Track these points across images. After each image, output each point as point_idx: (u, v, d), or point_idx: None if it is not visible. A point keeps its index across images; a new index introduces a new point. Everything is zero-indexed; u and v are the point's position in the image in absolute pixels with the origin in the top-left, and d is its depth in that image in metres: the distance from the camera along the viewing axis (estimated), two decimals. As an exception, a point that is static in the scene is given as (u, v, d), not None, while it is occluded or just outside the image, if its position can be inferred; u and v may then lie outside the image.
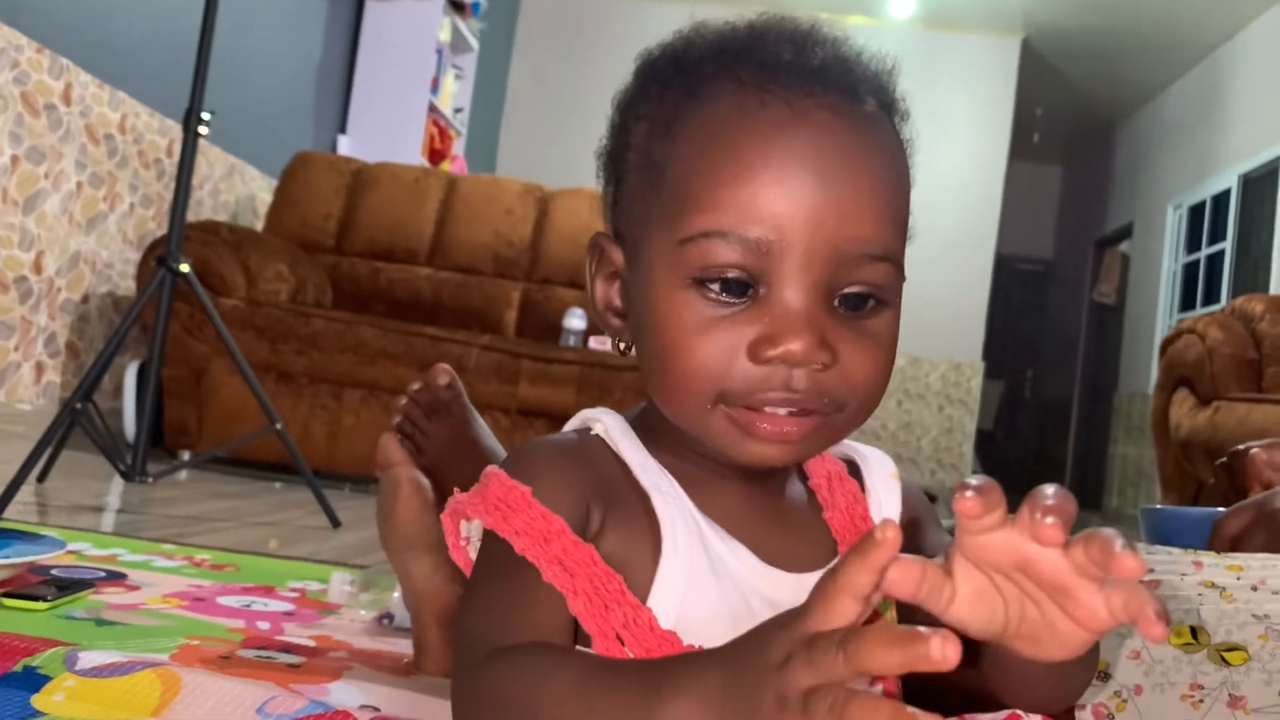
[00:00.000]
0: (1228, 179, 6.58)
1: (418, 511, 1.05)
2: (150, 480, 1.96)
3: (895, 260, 0.56)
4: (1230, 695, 0.70)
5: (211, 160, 3.72)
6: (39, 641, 0.91)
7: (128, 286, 3.31)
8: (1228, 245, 6.52)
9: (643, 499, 0.58)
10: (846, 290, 0.55)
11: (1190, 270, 7.11)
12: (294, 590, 1.35)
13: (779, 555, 0.59)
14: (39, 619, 1.04)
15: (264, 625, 1.15)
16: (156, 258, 2.03)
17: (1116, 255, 8.48)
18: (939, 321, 6.71)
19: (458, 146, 5.50)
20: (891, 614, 0.59)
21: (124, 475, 1.92)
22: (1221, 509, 0.91)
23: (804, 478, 0.66)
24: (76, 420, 1.79)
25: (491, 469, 0.60)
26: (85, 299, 3.16)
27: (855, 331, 0.55)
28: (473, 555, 0.63)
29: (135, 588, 1.25)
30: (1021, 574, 0.41)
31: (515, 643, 0.52)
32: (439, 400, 1.10)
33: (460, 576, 1.04)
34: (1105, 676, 0.73)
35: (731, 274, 0.54)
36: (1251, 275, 6.10)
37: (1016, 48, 7.07)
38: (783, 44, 0.57)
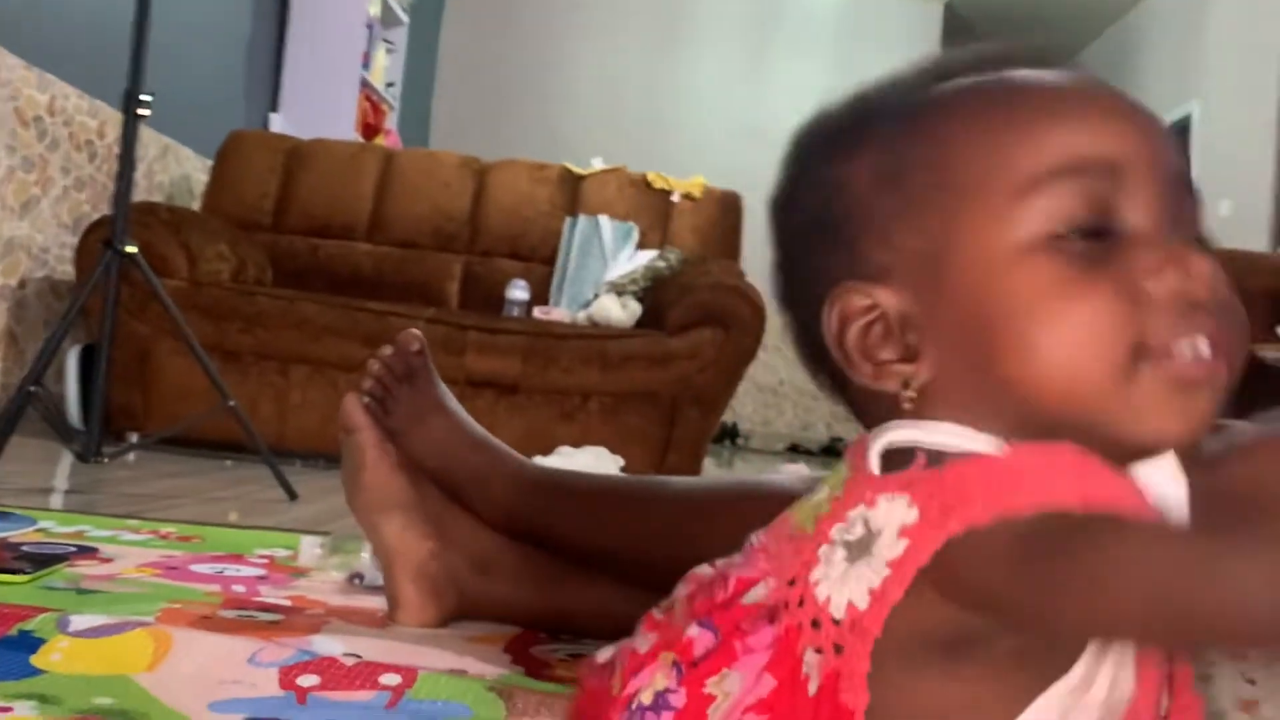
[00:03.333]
0: (1144, 136, 6.78)
1: (386, 474, 1.10)
2: (105, 461, 1.98)
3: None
4: None
5: (145, 142, 3.69)
6: (29, 609, 0.96)
7: (65, 270, 3.28)
8: (1145, 201, 6.73)
9: None
10: (1187, 225, 0.49)
11: (1111, 226, 7.32)
12: (263, 557, 1.40)
13: None
14: (21, 591, 1.08)
15: (239, 589, 1.20)
16: (102, 240, 2.04)
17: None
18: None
19: (391, 121, 5.48)
20: None
21: (79, 457, 1.94)
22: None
23: None
24: (30, 403, 1.80)
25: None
26: (22, 284, 3.13)
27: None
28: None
29: (108, 560, 1.29)
30: None
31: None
32: (409, 366, 1.15)
33: (431, 534, 1.10)
34: None
35: (1081, 215, 0.47)
36: (1168, 229, 6.31)
37: (939, 13, 7.19)
38: (1021, 59, 0.54)
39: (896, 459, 0.48)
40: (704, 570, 0.58)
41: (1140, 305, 0.46)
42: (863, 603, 0.45)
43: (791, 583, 0.49)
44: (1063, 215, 0.47)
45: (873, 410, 0.53)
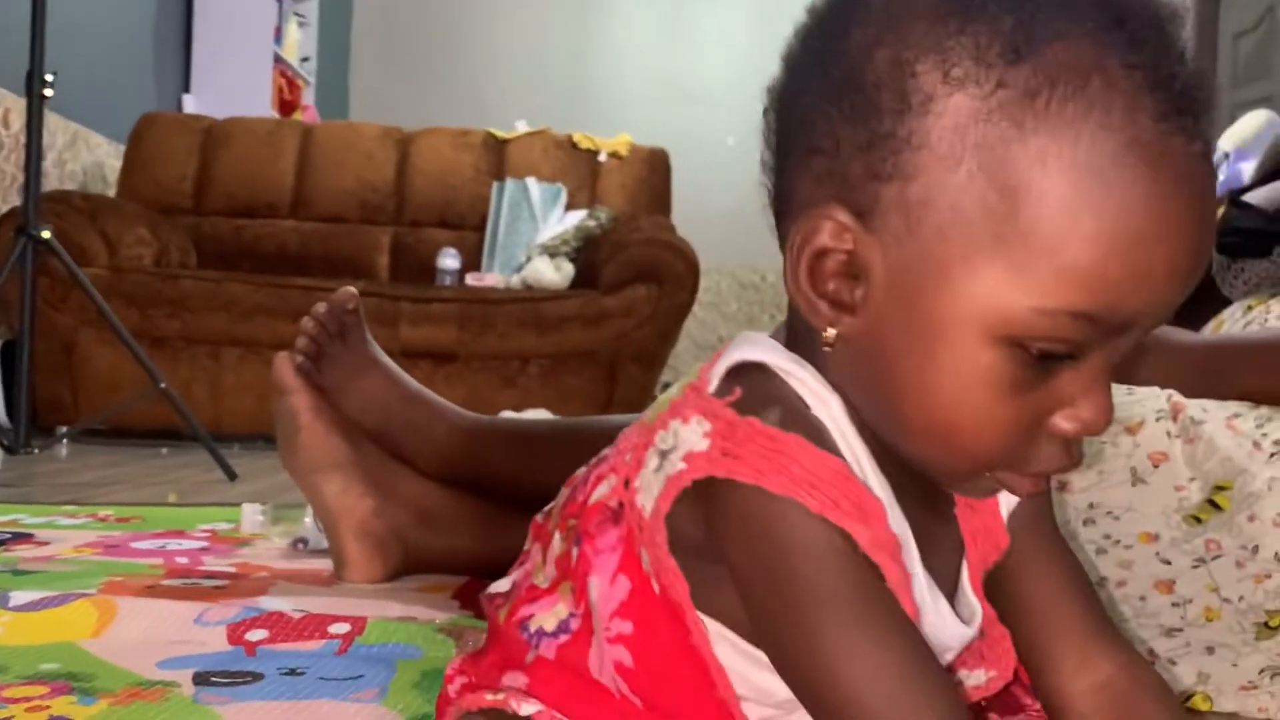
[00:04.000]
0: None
1: (321, 435, 1.10)
2: (35, 452, 1.94)
3: None
4: (1059, 482, 0.82)
5: (53, 130, 3.58)
6: (-34, 592, 0.95)
7: (-22, 266, 3.18)
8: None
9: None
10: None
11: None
12: (205, 531, 1.39)
13: (938, 571, 0.52)
14: (-44, 577, 1.06)
15: (182, 560, 1.19)
16: (14, 227, 1.98)
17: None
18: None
19: (308, 96, 5.37)
20: None
21: (8, 450, 1.90)
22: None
23: None
24: (-48, 397, 1.76)
25: (773, 433, 0.46)
26: (-66, 282, 3.04)
27: None
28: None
29: (45, 543, 1.27)
30: None
31: (941, 686, 0.46)
32: (343, 324, 1.14)
33: (372, 491, 1.10)
34: None
35: (1067, 350, 0.45)
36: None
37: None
38: (1165, 43, 0.45)
39: (742, 373, 0.49)
40: (580, 472, 0.58)
41: (1035, 438, 0.47)
42: (649, 509, 0.49)
43: (627, 484, 0.51)
44: (1061, 340, 0.44)
45: (798, 329, 0.51)
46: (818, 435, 0.46)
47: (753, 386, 0.48)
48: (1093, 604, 0.57)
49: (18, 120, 3.30)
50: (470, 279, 3.29)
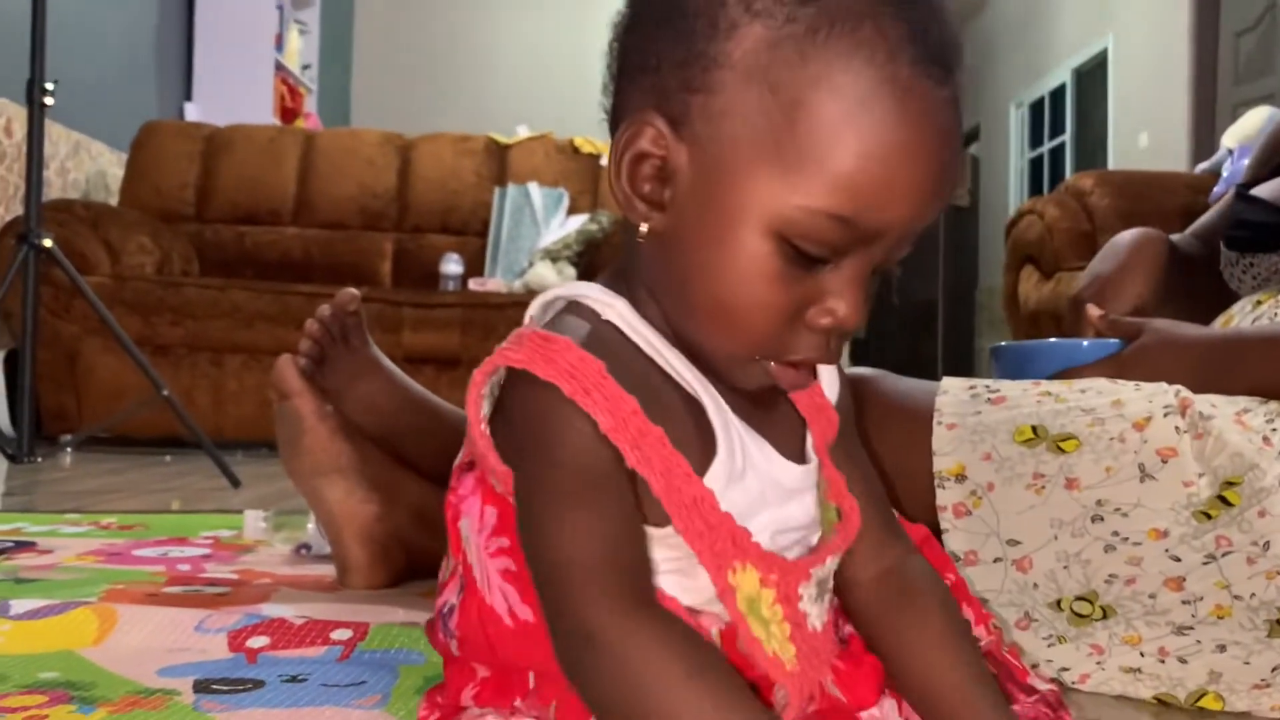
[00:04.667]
0: (1062, 74, 6.89)
1: (325, 438, 1.09)
2: (39, 460, 1.94)
3: None
4: (1066, 478, 0.81)
5: (55, 139, 3.58)
6: (-34, 600, 0.94)
7: (-19, 276, 3.19)
8: (1068, 137, 6.85)
9: (680, 394, 0.57)
10: (886, 263, 0.56)
11: (1036, 165, 7.45)
12: (207, 538, 1.38)
13: (776, 440, 0.60)
14: (-43, 586, 1.06)
15: (184, 568, 1.19)
16: (16, 235, 1.98)
17: (966, 158, 8.82)
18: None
19: (309, 104, 5.38)
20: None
21: (11, 458, 1.90)
22: (1055, 340, 1.02)
23: None
24: (-45, 406, 1.75)
25: (548, 335, 0.54)
26: (-63, 293, 3.04)
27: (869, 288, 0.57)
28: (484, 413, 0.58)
29: (47, 551, 1.27)
30: None
31: (637, 568, 0.53)
32: (345, 326, 1.14)
33: (375, 496, 1.09)
34: (961, 478, 0.84)
35: (825, 250, 0.53)
36: (1091, 163, 6.43)
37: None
38: (926, 7, 0.54)
39: (550, 306, 0.59)
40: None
41: (797, 327, 0.55)
42: (475, 429, 0.57)
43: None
44: (818, 240, 0.52)
45: (626, 231, 0.59)
46: (597, 344, 0.54)
47: (551, 312, 0.59)
48: (883, 504, 0.67)
49: (19, 129, 3.30)
50: (473, 284, 3.29)
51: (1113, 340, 0.96)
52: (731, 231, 0.53)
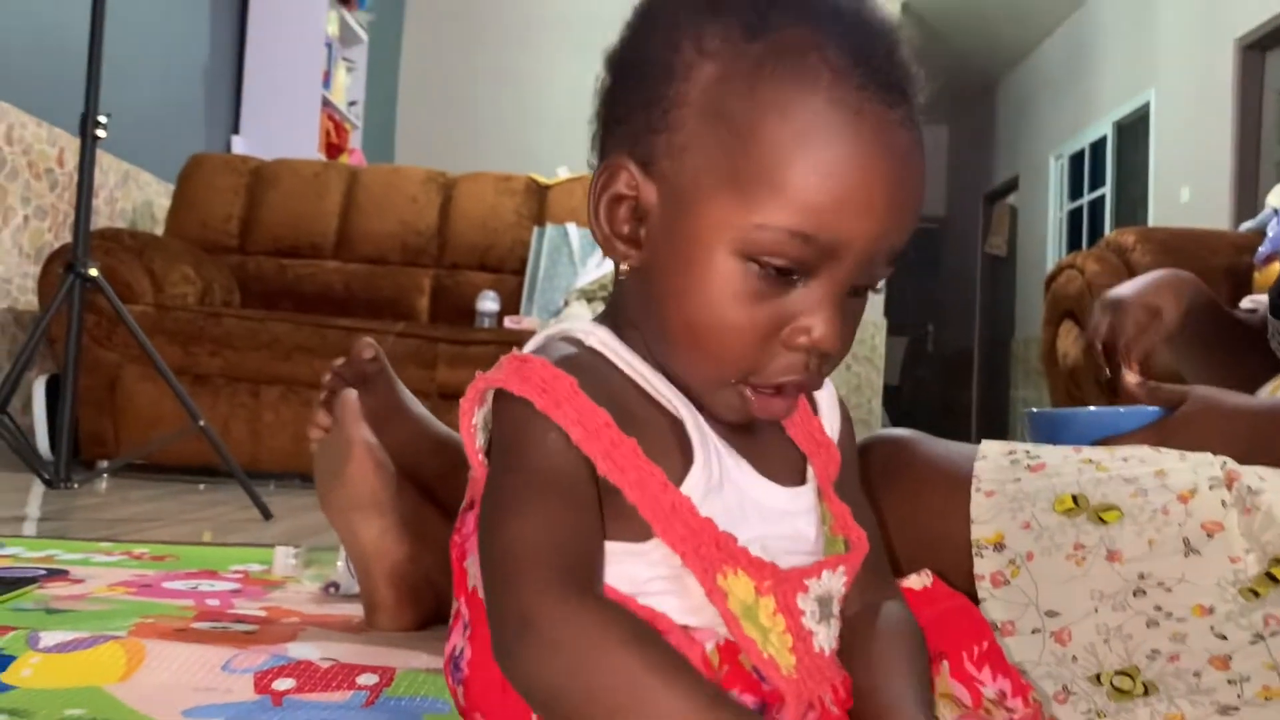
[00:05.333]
0: (1103, 127, 6.86)
1: (369, 472, 1.08)
2: (75, 486, 1.96)
3: None
4: (1108, 550, 0.79)
5: (105, 168, 3.66)
6: (-2, 629, 0.94)
7: (28, 301, 3.24)
8: (1107, 190, 6.81)
9: (658, 410, 0.59)
10: (862, 284, 0.59)
11: (1074, 217, 7.40)
12: (237, 572, 1.39)
13: (766, 469, 0.62)
14: (-10, 613, 1.06)
15: (213, 602, 1.19)
16: (63, 264, 2.01)
17: (1005, 208, 8.78)
18: (842, 283, 6.88)
19: (354, 140, 5.46)
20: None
21: (48, 483, 1.92)
22: (1094, 408, 1.01)
23: None
24: (-4, 430, 1.78)
25: (523, 355, 0.57)
26: (-16, 316, 3.10)
27: (849, 311, 0.59)
28: (479, 445, 0.61)
29: (79, 580, 1.27)
30: None
31: (582, 562, 0.53)
32: (363, 374, 1.14)
33: (408, 537, 1.09)
34: (1000, 547, 0.82)
35: (792, 267, 0.55)
36: (1131, 216, 6.39)
37: (896, 11, 7.25)
38: (873, 37, 0.57)
39: (558, 335, 0.62)
40: None
41: (772, 347, 0.57)
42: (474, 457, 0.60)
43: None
44: (782, 255, 0.55)
45: (610, 302, 0.64)
46: (572, 363, 0.57)
47: (538, 341, 0.61)
48: (877, 547, 0.68)
49: (72, 159, 3.37)
50: (508, 322, 3.30)
51: (1152, 408, 0.95)
52: (700, 255, 0.56)
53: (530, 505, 0.53)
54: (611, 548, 0.57)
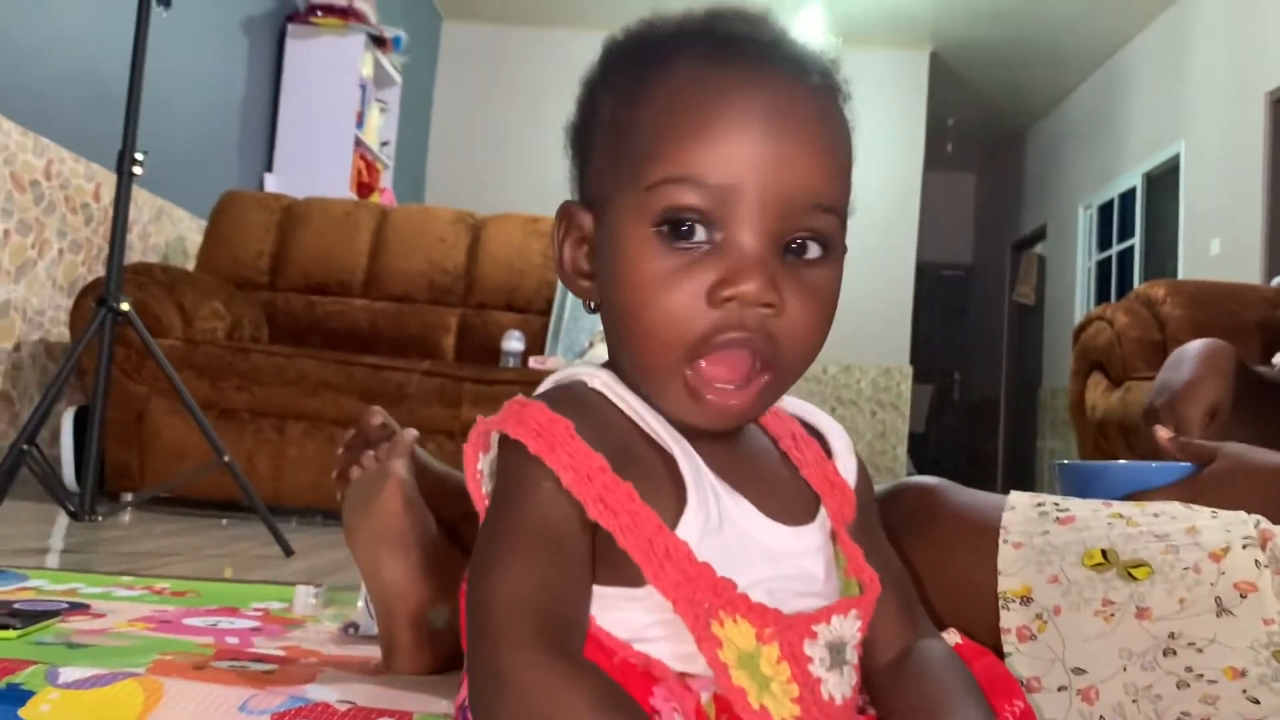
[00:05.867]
0: (1132, 178, 6.85)
1: (399, 506, 1.07)
2: (99, 519, 1.97)
3: (841, 214, 0.61)
4: (1138, 607, 0.78)
5: (139, 203, 3.71)
6: (18, 662, 0.94)
7: (60, 333, 3.28)
8: (1136, 241, 6.78)
9: (656, 451, 0.60)
10: (795, 237, 0.59)
11: (1103, 267, 7.37)
12: (257, 610, 1.38)
13: (769, 508, 0.62)
14: (10, 646, 1.06)
15: (233, 640, 1.18)
16: (96, 298, 2.04)
17: (1033, 257, 8.75)
18: (867, 329, 6.87)
19: (385, 179, 5.52)
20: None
21: (73, 516, 1.93)
22: (1124, 462, 1.00)
23: (771, 438, 0.68)
24: (23, 461, 1.79)
25: (524, 400, 0.59)
26: (17, 347, 3.14)
27: (801, 282, 0.59)
28: (485, 490, 0.62)
29: (100, 615, 1.27)
30: None
31: (560, 620, 0.53)
32: (374, 440, 1.14)
33: (430, 579, 1.08)
34: (1027, 600, 0.81)
35: (691, 216, 0.57)
36: (1160, 268, 6.35)
37: (925, 61, 7.29)
38: (737, 22, 0.62)
39: (565, 379, 0.64)
40: None
41: (698, 306, 0.58)
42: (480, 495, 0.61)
43: None
44: (676, 207, 0.57)
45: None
46: (572, 406, 0.58)
47: (546, 384, 0.64)
48: (905, 587, 0.68)
49: (109, 194, 3.43)
50: (533, 362, 3.31)
51: (1184, 464, 0.93)
52: (619, 249, 0.60)
53: (513, 559, 0.54)
54: (609, 592, 0.57)
